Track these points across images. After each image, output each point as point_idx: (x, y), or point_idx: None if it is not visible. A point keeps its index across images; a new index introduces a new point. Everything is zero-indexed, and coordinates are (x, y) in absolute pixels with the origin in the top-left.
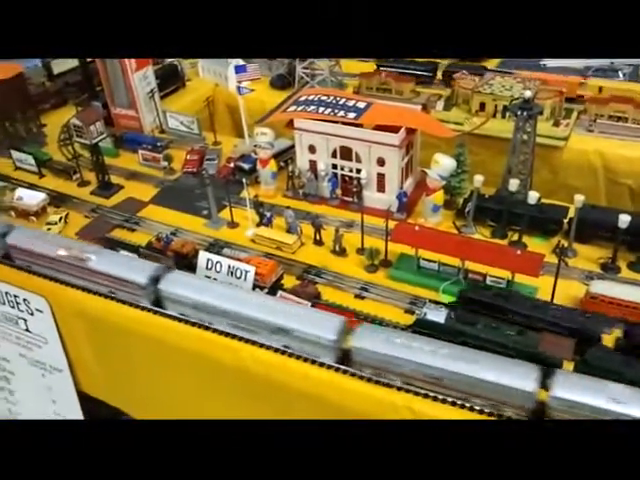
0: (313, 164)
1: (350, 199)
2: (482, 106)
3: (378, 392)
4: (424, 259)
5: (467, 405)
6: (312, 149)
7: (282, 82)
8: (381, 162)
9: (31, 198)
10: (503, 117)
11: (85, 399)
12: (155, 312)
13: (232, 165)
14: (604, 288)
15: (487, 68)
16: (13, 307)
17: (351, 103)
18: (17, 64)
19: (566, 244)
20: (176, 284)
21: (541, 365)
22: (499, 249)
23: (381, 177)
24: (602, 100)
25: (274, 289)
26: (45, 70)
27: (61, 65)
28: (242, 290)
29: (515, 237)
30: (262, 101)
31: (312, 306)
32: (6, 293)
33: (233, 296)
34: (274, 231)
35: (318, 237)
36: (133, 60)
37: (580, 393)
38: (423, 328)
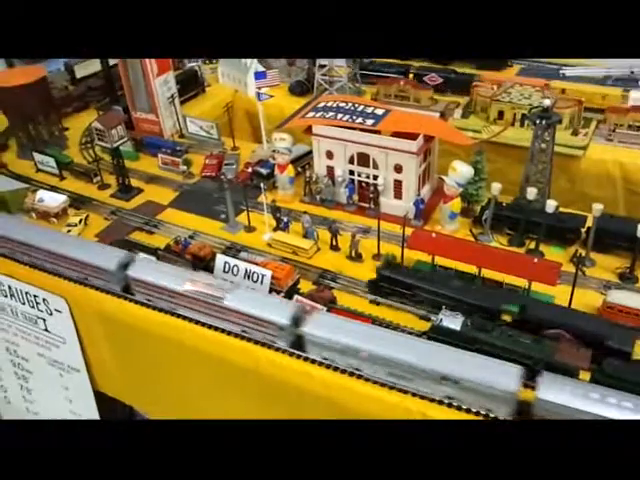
0: (330, 170)
1: (367, 205)
2: (500, 114)
3: (394, 398)
4: (440, 266)
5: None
6: (330, 155)
7: (301, 88)
8: (398, 169)
9: (52, 200)
10: (522, 125)
11: (101, 398)
12: (172, 314)
13: (250, 170)
14: (621, 298)
15: (456, 71)
16: (33, 307)
17: (369, 110)
18: (41, 68)
19: (584, 253)
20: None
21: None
22: (516, 257)
23: (398, 184)
24: (621, 110)
25: (290, 293)
26: (68, 74)
27: (84, 69)
28: (398, 334)
29: (532, 245)
30: (281, 107)
31: (328, 311)
32: (26, 293)
33: (390, 340)
34: (291, 236)
35: (334, 242)
36: (155, 65)
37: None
38: (439, 335)
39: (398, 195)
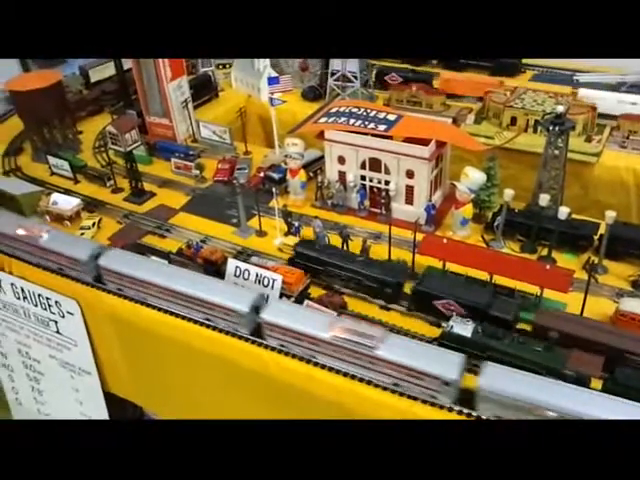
0: (342, 175)
1: (378, 210)
2: (513, 120)
3: (402, 403)
4: (451, 272)
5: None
6: (341, 160)
7: (313, 94)
8: (410, 174)
9: (66, 203)
10: (534, 132)
11: (111, 400)
12: (183, 317)
13: (262, 175)
14: (634, 306)
15: (415, 70)
16: (45, 309)
17: (382, 115)
18: (57, 72)
19: (596, 261)
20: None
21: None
22: (528, 264)
23: (410, 189)
24: (635, 117)
25: (301, 298)
26: (83, 78)
27: (98, 73)
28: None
29: (544, 252)
30: (293, 112)
31: (338, 316)
32: (39, 295)
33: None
34: None
35: (345, 248)
36: (168, 70)
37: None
38: (449, 341)
39: (409, 201)
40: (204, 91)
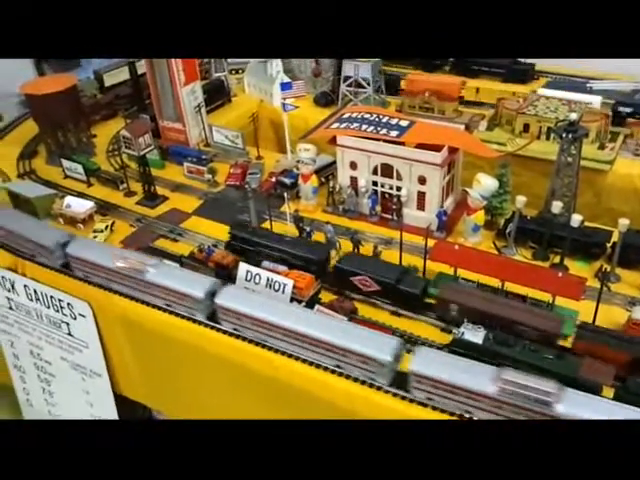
0: (354, 180)
1: (389, 216)
2: (526, 127)
3: (412, 410)
4: (463, 279)
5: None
6: (353, 166)
7: (325, 99)
8: (422, 180)
9: (79, 206)
10: (547, 139)
11: (121, 402)
12: (194, 321)
13: (274, 180)
14: None
15: (385, 71)
16: (57, 311)
17: (394, 121)
18: (72, 76)
19: (609, 269)
20: None
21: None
22: (540, 271)
23: (421, 195)
24: None
25: (311, 303)
26: (97, 82)
27: (112, 78)
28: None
29: (557, 260)
30: (305, 118)
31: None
32: (51, 297)
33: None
34: None
35: (356, 253)
36: (182, 75)
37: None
38: (460, 348)
39: (421, 207)
40: (217, 96)
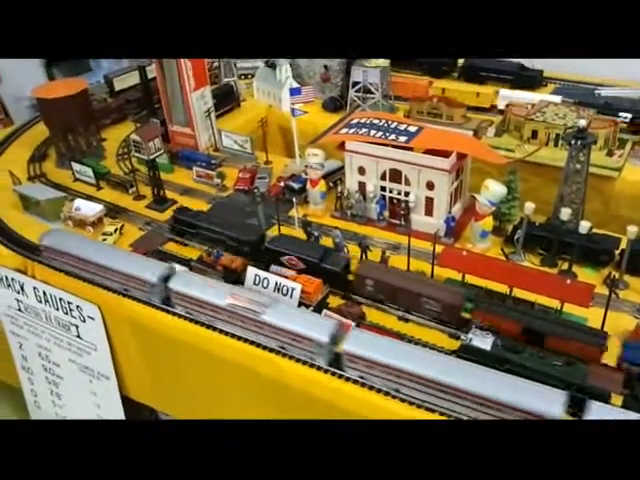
0: (362, 186)
1: (397, 222)
2: (534, 133)
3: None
4: (470, 284)
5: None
6: (362, 171)
7: (334, 105)
8: (430, 186)
9: (89, 209)
10: (555, 145)
11: (128, 404)
12: (204, 325)
13: (282, 184)
14: None
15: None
16: (66, 313)
17: (402, 127)
18: (82, 80)
19: (617, 276)
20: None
21: (588, 397)
22: (548, 278)
23: (429, 201)
24: None
25: (319, 308)
26: (107, 86)
27: (122, 82)
28: None
29: (565, 266)
30: (314, 123)
31: (357, 326)
32: (60, 299)
33: None
34: None
35: (364, 258)
36: (192, 80)
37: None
38: (468, 354)
39: (429, 212)
40: (226, 101)
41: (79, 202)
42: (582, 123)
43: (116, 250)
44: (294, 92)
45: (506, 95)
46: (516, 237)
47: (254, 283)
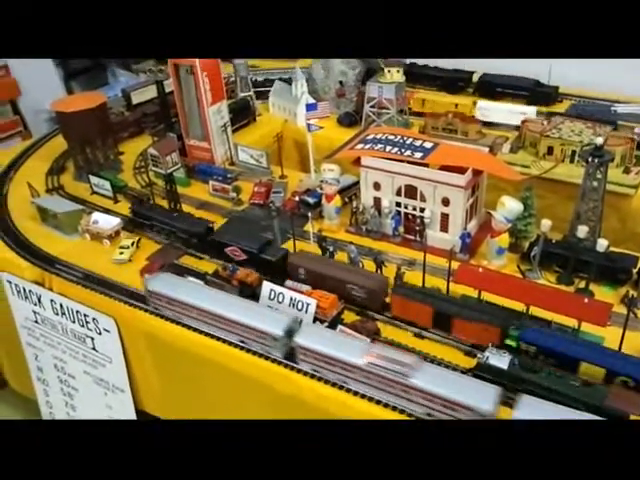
0: (377, 201)
1: (413, 237)
2: (550, 150)
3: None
4: (487, 302)
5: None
6: (377, 186)
7: (349, 120)
8: (446, 202)
9: (106, 222)
10: (571, 162)
11: (141, 417)
12: (219, 339)
13: (297, 199)
14: None
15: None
16: (82, 325)
17: (418, 143)
18: (101, 94)
19: (635, 294)
20: None
21: (606, 418)
22: (565, 296)
23: (445, 217)
24: None
25: (334, 323)
26: (125, 100)
27: (140, 95)
28: None
29: (582, 284)
30: (329, 138)
31: (371, 342)
32: (77, 312)
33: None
34: None
35: (379, 274)
36: (209, 94)
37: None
38: (485, 373)
39: (444, 228)
40: (242, 115)
41: (97, 215)
42: (599, 141)
43: (233, 299)
44: (310, 107)
45: (484, 106)
46: (532, 254)
47: (269, 298)
